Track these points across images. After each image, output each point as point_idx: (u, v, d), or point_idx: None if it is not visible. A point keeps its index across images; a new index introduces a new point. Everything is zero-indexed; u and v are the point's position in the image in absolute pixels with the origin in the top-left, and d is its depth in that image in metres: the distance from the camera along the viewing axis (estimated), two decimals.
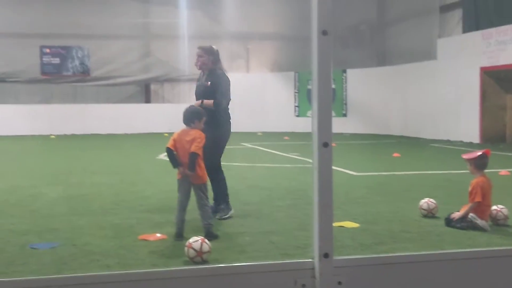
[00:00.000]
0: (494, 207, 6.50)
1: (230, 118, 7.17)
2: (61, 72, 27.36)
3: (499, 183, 9.78)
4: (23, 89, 26.51)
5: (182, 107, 25.44)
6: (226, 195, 7.09)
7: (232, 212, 7.02)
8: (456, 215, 6.35)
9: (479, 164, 6.45)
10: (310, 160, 2.22)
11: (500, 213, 6.47)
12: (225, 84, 6.98)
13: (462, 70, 20.16)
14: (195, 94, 7.16)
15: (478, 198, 6.24)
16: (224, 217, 6.88)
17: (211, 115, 6.62)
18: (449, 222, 6.41)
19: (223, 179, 7.15)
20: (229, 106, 7.11)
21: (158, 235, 5.94)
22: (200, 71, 7.24)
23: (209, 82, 6.96)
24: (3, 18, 25.76)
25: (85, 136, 24.51)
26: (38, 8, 25.93)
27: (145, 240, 5.78)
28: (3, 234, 6.07)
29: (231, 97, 7.15)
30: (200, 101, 6.89)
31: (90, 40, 27.33)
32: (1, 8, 25.90)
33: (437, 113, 21.56)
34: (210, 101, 6.85)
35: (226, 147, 7.24)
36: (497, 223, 6.44)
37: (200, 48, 7.07)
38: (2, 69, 26.34)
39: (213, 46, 7.12)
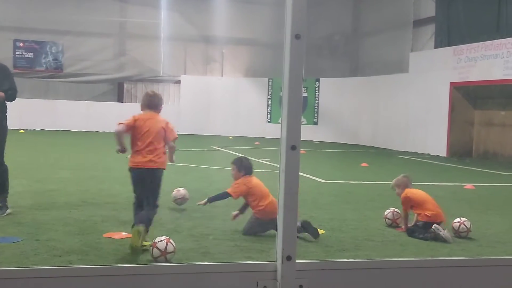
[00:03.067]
0: (457, 220, 6.63)
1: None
2: (33, 67, 26.99)
3: (464, 197, 9.97)
4: None
5: None
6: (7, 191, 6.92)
7: (9, 211, 6.74)
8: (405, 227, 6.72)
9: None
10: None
11: (463, 226, 6.59)
12: (10, 75, 6.86)
13: (433, 84, 20.48)
14: None
15: (404, 207, 6.84)
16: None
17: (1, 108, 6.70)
18: (411, 232, 6.51)
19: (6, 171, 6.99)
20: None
21: (123, 233, 5.90)
22: None
23: None
24: None
25: (54, 132, 24.19)
26: (12, 1, 25.54)
27: (110, 238, 5.74)
28: None
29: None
30: None
31: (64, 36, 27.03)
32: None
33: (406, 125, 21.85)
34: (1, 94, 6.68)
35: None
36: (460, 235, 6.55)
37: None
38: None
39: None
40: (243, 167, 6.54)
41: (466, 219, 6.66)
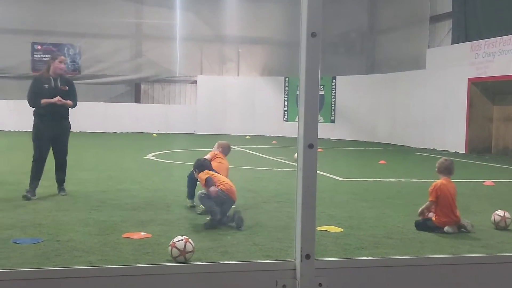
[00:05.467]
0: (499, 212, 6.72)
1: None
2: None
3: (484, 193, 9.88)
4: (12, 85, 26.29)
5: (171, 108, 25.17)
6: None
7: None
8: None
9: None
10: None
11: (497, 217, 6.69)
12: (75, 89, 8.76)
13: (450, 80, 20.30)
14: (47, 96, 8.35)
15: (431, 198, 6.64)
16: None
17: (67, 112, 8.57)
18: (421, 228, 6.56)
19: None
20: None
21: (143, 233, 5.93)
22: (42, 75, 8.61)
23: (66, 87, 8.54)
24: None
25: (73, 134, 24.32)
26: (30, 5, 25.78)
27: (129, 238, 5.77)
28: None
29: None
30: (57, 99, 8.28)
31: (81, 38, 27.22)
32: None
33: (424, 122, 21.69)
34: (70, 102, 8.50)
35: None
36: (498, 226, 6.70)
37: (62, 56, 8.67)
38: None
39: None
40: (200, 166, 7.14)
41: (509, 216, 6.68)
